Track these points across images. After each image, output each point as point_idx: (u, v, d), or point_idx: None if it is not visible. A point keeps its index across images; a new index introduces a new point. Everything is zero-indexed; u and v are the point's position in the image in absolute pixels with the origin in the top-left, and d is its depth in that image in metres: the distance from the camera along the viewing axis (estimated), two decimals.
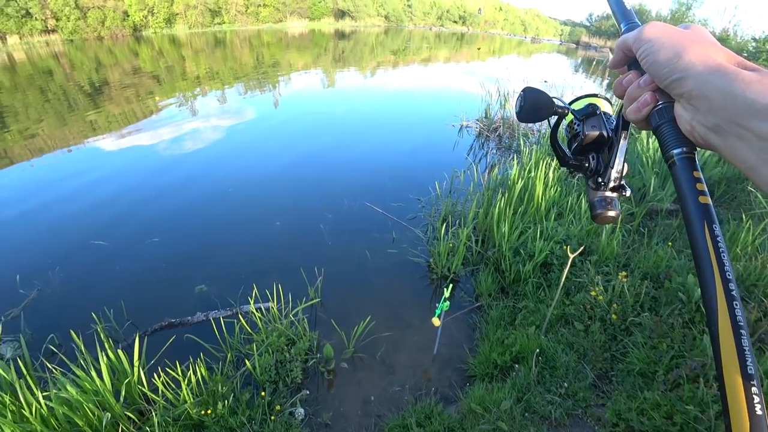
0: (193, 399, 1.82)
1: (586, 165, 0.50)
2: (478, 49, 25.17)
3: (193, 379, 1.87)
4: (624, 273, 2.31)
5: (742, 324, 0.27)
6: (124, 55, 20.41)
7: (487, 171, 4.31)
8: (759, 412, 0.25)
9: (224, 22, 39.03)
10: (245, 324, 2.27)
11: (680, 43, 0.35)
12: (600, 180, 0.48)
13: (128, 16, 33.17)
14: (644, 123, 0.40)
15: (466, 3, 60.80)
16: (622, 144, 0.47)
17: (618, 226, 2.82)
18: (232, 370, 2.14)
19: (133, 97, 9.80)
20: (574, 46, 39.27)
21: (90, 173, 5.17)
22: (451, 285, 1.99)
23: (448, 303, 1.96)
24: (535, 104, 0.48)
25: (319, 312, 2.70)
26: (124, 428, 1.73)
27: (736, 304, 0.28)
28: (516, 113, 0.50)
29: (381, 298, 2.84)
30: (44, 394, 1.65)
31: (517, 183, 3.08)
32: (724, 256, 0.29)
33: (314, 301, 2.65)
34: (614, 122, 0.49)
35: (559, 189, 3.20)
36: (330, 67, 14.65)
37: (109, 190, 4.64)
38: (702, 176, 0.34)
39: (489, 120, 6.29)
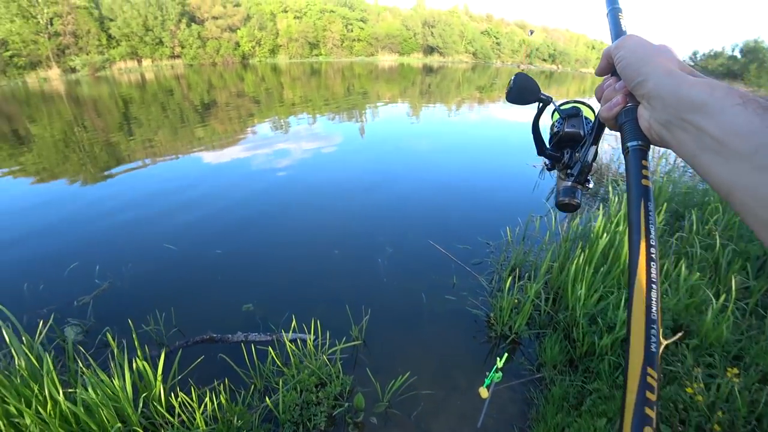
0: (206, 427, 1.70)
1: (560, 157, 0.55)
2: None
3: (209, 407, 1.76)
4: (735, 369, 1.80)
5: (654, 280, 0.33)
6: (231, 80, 22.69)
7: (567, 219, 3.85)
8: (653, 350, 0.30)
9: (321, 54, 42.17)
10: (275, 356, 2.15)
11: (648, 53, 0.41)
12: (569, 171, 0.53)
13: (239, 46, 37.50)
14: (613, 122, 0.45)
15: (557, 41, 59.57)
16: (593, 145, 0.53)
17: (730, 303, 2.24)
18: (257, 400, 2.01)
19: (234, 117, 10.94)
20: None
21: (184, 179, 5.84)
22: (506, 354, 1.68)
23: (500, 374, 1.66)
24: (522, 88, 0.55)
25: (360, 353, 2.49)
26: None
27: (653, 264, 0.34)
28: (506, 94, 0.57)
29: (429, 350, 2.56)
30: (69, 391, 1.64)
31: (600, 237, 2.61)
32: (652, 227, 0.35)
33: (356, 342, 2.46)
34: (591, 125, 0.54)
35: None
36: (416, 99, 14.91)
37: (193, 196, 5.12)
38: (648, 166, 0.40)
39: None
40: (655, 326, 0.31)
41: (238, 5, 39.01)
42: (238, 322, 2.72)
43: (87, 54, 33.79)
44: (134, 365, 1.78)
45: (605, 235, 2.57)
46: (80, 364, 1.81)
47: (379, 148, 7.45)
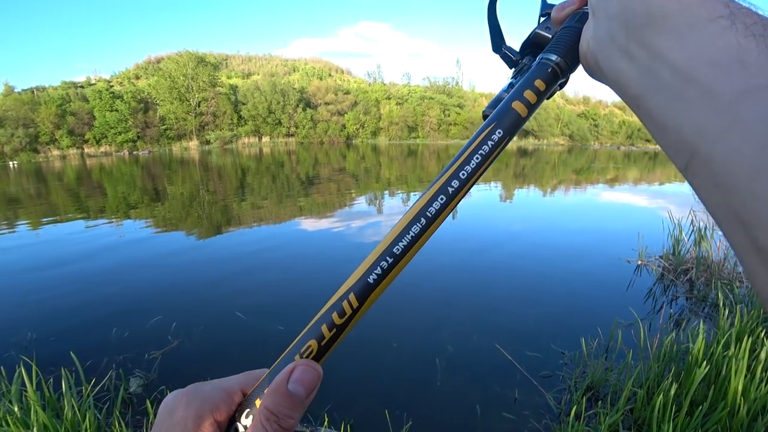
0: None
1: (517, 61, 0.43)
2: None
3: None
4: None
5: (430, 215, 0.30)
6: (335, 157, 24.97)
7: (658, 332, 3.20)
8: (370, 281, 0.30)
9: (418, 136, 44.89)
10: None
11: None
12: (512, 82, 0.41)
13: (345, 127, 41.98)
14: (560, 26, 0.35)
15: None
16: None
17: None
18: None
19: (335, 190, 11.95)
20: None
21: (276, 243, 6.42)
22: None
23: None
24: None
25: None
26: None
27: (442, 198, 0.30)
28: None
29: None
30: None
31: (700, 363, 2.03)
32: (477, 158, 0.30)
33: None
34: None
35: None
36: (509, 181, 14.77)
37: (279, 262, 5.47)
38: (546, 92, 0.33)
39: (677, 258, 4.90)
40: (386, 260, 0.29)
41: (347, 93, 44.16)
42: None
43: (221, 130, 41.05)
44: None
45: (705, 363, 2.01)
46: (116, 423, 1.86)
47: (465, 230, 7.25)
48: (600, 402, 2.44)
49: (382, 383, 2.88)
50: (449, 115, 45.96)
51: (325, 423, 2.23)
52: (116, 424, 1.89)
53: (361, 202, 9.96)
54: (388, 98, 46.42)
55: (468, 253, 5.89)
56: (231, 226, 7.80)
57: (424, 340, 3.46)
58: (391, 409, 2.42)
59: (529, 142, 45.08)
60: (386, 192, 11.54)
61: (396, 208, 9.19)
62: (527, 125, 46.14)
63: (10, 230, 8.56)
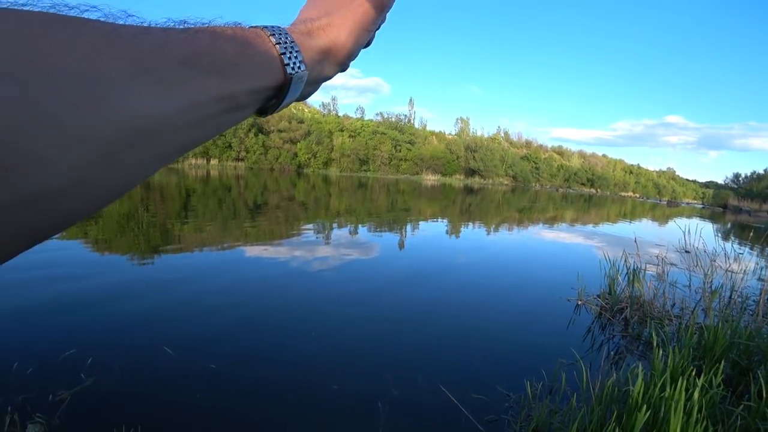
0: None
1: None
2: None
3: None
4: None
5: None
6: (284, 185, 24.56)
7: (599, 372, 3.27)
8: None
9: (369, 170, 45.56)
10: None
11: None
12: None
13: (296, 156, 41.68)
14: None
15: (595, 166, 61.13)
16: None
17: None
18: None
19: (282, 219, 11.61)
20: (721, 210, 34.98)
21: (214, 272, 5.99)
22: None
23: None
24: None
25: None
26: None
27: None
28: None
29: None
30: None
31: (640, 407, 2.03)
32: None
33: None
34: None
35: (712, 429, 2.14)
36: (455, 218, 15.11)
37: (213, 291, 5.05)
38: None
39: (613, 297, 5.17)
40: None
41: (301, 122, 44.23)
42: None
43: None
44: None
45: (645, 404, 2.03)
46: None
47: (411, 263, 7.28)
48: None
49: (321, 428, 2.68)
50: (400, 151, 47.15)
51: None
52: None
53: (308, 232, 9.73)
54: (341, 130, 46.94)
55: (417, 285, 5.88)
56: (168, 250, 7.18)
57: (368, 381, 3.27)
58: None
59: (476, 181, 47.10)
60: (335, 222, 11.42)
61: (343, 239, 9.07)
62: (474, 165, 48.86)
63: None
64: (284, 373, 3.38)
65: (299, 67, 0.32)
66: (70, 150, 0.17)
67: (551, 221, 16.71)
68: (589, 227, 15.82)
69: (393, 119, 53.55)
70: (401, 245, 9.00)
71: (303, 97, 0.38)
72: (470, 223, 13.88)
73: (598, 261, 6.23)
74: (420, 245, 9.21)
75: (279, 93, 0.32)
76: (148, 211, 11.53)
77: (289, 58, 0.31)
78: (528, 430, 2.54)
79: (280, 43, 0.31)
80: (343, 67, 0.40)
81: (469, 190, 31.95)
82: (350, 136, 46.45)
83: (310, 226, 10.67)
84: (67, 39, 0.18)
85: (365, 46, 0.42)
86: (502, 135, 63.38)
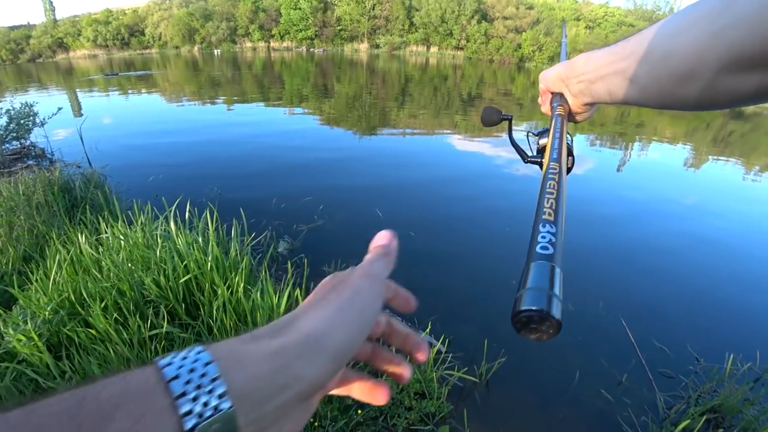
0: None
1: (542, 161, 0.58)
2: None
3: None
4: None
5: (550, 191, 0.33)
6: (502, 79, 23.22)
7: None
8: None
9: None
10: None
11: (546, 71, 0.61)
12: None
13: (520, 47, 37.54)
14: (548, 108, 0.61)
15: None
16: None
17: None
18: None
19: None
20: None
21: (426, 157, 6.68)
22: None
23: None
24: (488, 116, 0.71)
25: (476, 391, 2.14)
26: None
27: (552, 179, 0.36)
28: (481, 122, 0.73)
29: None
30: (248, 287, 2.04)
31: None
32: (559, 160, 0.40)
33: (473, 379, 2.14)
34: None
35: None
36: (703, 145, 11.05)
37: (424, 176, 5.57)
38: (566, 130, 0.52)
39: None
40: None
41: (531, 8, 39.12)
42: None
43: (391, 35, 41.26)
44: (295, 292, 2.07)
45: None
46: (264, 272, 2.22)
47: (630, 190, 6.14)
48: (722, 431, 1.96)
49: (491, 314, 2.79)
50: None
51: (428, 330, 2.32)
52: (263, 272, 2.25)
53: (519, 132, 9.22)
54: (578, 19, 39.61)
55: (624, 217, 4.99)
56: (385, 131, 8.15)
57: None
58: (490, 340, 2.34)
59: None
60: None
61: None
62: None
63: (212, 106, 10.50)
64: (472, 256, 3.62)
65: (213, 409, 0.19)
66: None
67: None
68: None
69: (649, 6, 41.99)
70: (621, 168, 7.44)
71: None
72: (723, 158, 9.73)
73: None
74: (649, 171, 7.59)
75: None
76: (371, 95, 12.83)
77: (194, 399, 0.19)
78: (707, 404, 2.08)
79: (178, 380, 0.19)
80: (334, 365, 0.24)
81: (737, 115, 23.59)
82: (587, 27, 38.98)
83: (523, 124, 9.94)
84: None
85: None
86: None
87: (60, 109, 5.88)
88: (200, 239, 2.26)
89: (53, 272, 2.01)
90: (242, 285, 1.96)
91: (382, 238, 0.35)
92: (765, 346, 2.60)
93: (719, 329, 2.94)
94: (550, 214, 0.31)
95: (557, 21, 38.37)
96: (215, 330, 1.88)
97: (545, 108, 0.61)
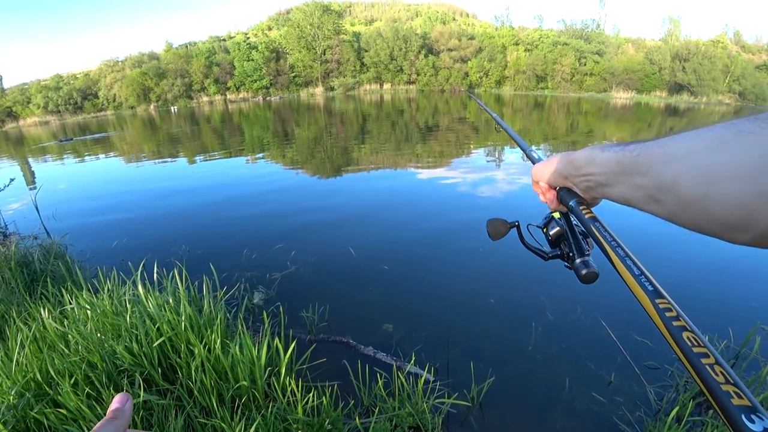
0: (303, 416, 1.82)
1: (562, 252, 0.67)
2: None
3: (311, 402, 1.87)
4: None
5: (629, 260, 0.47)
6: (455, 106, 24.24)
7: None
8: (650, 288, 0.42)
9: (547, 87, 40.64)
10: (382, 384, 2.11)
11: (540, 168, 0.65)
12: (572, 254, 0.63)
13: (467, 75, 39.91)
14: (556, 204, 0.63)
15: None
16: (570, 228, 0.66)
17: None
18: (356, 414, 1.99)
19: (452, 140, 11.84)
20: None
21: (390, 190, 6.73)
22: None
23: None
24: (495, 229, 0.74)
25: (471, 415, 2.16)
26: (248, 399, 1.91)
27: (628, 261, 0.47)
28: (490, 238, 0.76)
29: None
30: (227, 341, 2.01)
31: None
32: (609, 237, 0.49)
33: (466, 403, 2.17)
34: (562, 219, 0.68)
35: None
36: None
37: (390, 207, 5.76)
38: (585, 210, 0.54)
39: None
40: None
41: (472, 38, 41.62)
42: (374, 337, 2.79)
43: (344, 77, 42.69)
44: (274, 342, 2.06)
45: None
46: (240, 325, 2.20)
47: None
48: (712, 412, 2.01)
49: (472, 336, 2.86)
50: (585, 64, 39.58)
51: (412, 361, 2.34)
52: (240, 325, 2.24)
53: (479, 155, 9.69)
54: (516, 44, 42.28)
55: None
56: (350, 169, 8.32)
57: (523, 302, 3.29)
58: (476, 362, 2.42)
59: (682, 99, 36.70)
60: (508, 146, 10.82)
61: (514, 164, 8.61)
62: (682, 79, 38.33)
63: (173, 162, 10.41)
64: (447, 282, 3.67)
65: None
66: None
67: None
68: None
69: (578, 26, 45.16)
70: None
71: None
72: None
73: None
74: None
75: None
76: (331, 136, 13.11)
77: None
78: (695, 388, 2.19)
79: None
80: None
81: (672, 111, 25.74)
82: (526, 50, 41.54)
83: (481, 149, 10.48)
84: None
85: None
86: (731, 36, 47.24)
87: (12, 180, 5.68)
88: (170, 300, 2.23)
89: (15, 353, 1.93)
90: (219, 341, 1.95)
91: (116, 401, 0.35)
92: (735, 323, 2.76)
93: (692, 312, 3.08)
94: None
95: (498, 47, 40.96)
96: (195, 392, 1.84)
97: (553, 205, 0.63)
